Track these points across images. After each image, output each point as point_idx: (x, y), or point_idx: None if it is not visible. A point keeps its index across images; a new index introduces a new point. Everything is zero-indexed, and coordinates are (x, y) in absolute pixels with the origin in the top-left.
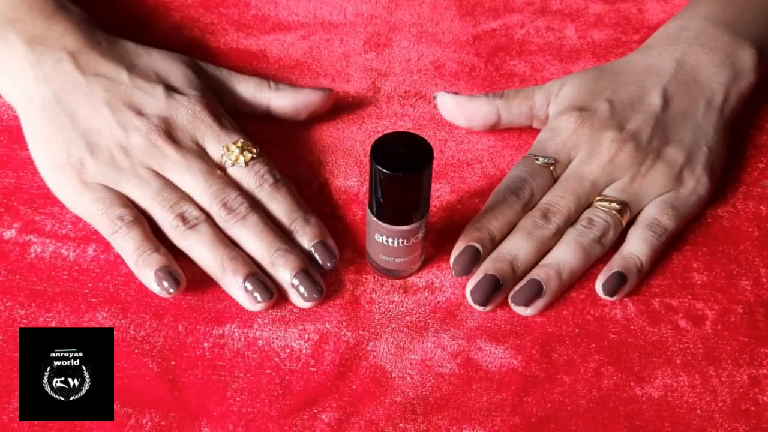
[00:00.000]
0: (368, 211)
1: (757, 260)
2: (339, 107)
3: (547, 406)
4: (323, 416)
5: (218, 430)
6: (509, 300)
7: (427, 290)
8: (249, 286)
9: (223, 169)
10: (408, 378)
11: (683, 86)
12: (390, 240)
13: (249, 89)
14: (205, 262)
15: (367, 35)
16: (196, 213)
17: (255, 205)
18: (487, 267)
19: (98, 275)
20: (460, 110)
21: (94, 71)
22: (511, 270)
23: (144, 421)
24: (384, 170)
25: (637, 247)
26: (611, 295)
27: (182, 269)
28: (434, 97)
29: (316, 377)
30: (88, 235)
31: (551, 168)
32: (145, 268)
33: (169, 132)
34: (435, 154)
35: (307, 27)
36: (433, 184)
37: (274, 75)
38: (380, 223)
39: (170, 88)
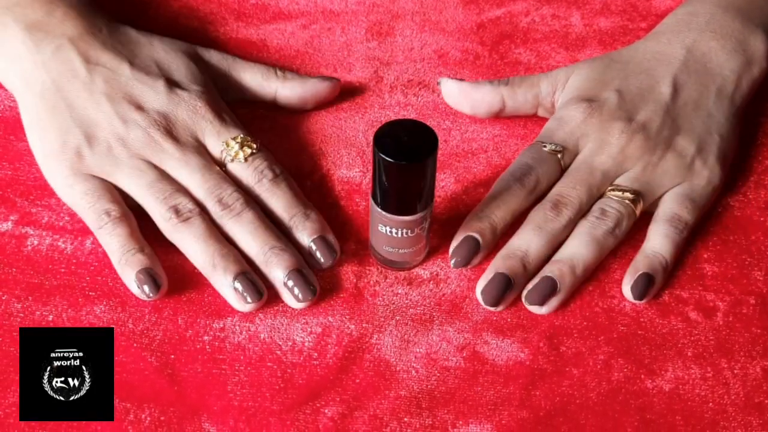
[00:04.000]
0: (371, 201)
1: None
2: (341, 97)
3: (556, 400)
4: (326, 410)
5: (219, 425)
6: (523, 299)
7: (431, 282)
8: (239, 286)
9: (222, 165)
10: (413, 371)
11: (694, 74)
12: (394, 230)
13: (255, 78)
14: (195, 257)
15: (369, 24)
16: (190, 206)
17: (251, 201)
18: (497, 265)
19: (96, 268)
20: (464, 97)
21: (95, 60)
22: (522, 267)
23: (143, 416)
24: (387, 158)
25: (660, 244)
26: (641, 298)
27: (178, 264)
28: (438, 83)
29: (318, 371)
30: (86, 228)
31: (559, 156)
32: (127, 268)
33: (169, 128)
34: (439, 144)
35: (307, 16)
36: (437, 173)
37: (274, 65)
38: (383, 213)
39: (171, 82)
